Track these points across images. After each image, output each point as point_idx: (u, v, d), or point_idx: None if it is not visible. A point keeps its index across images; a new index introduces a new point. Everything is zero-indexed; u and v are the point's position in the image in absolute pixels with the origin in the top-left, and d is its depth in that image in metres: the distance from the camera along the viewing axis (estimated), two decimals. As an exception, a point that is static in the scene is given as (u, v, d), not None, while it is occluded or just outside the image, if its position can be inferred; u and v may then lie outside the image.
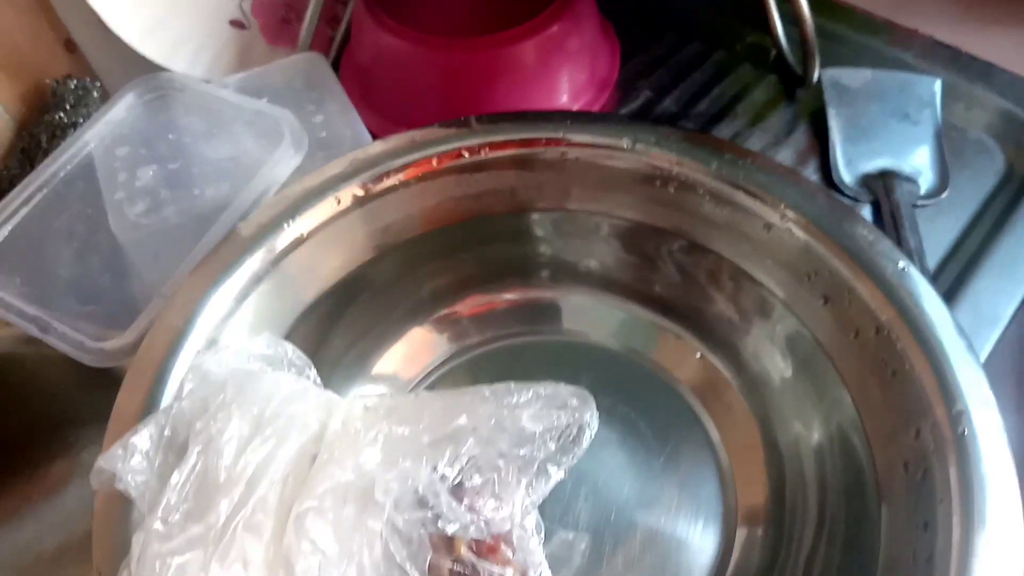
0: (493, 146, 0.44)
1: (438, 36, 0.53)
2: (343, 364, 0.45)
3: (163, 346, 0.36)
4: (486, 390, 0.33)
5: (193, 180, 0.48)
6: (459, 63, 0.55)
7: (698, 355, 0.46)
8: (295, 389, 0.33)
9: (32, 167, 0.50)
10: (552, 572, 0.32)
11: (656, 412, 0.45)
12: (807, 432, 0.41)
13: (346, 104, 0.53)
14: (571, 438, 0.32)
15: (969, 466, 0.32)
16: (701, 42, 0.64)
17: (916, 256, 0.48)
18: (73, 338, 0.41)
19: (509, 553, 0.30)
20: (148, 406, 0.34)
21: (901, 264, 0.38)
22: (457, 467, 0.31)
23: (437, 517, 0.29)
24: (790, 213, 0.40)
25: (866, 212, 0.52)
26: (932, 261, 0.50)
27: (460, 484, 0.30)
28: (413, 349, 0.48)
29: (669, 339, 0.47)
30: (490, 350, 0.48)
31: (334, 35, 0.63)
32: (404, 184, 0.43)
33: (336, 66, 0.60)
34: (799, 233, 0.40)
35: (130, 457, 0.30)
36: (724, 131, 0.58)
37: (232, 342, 0.37)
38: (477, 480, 0.30)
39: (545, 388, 0.33)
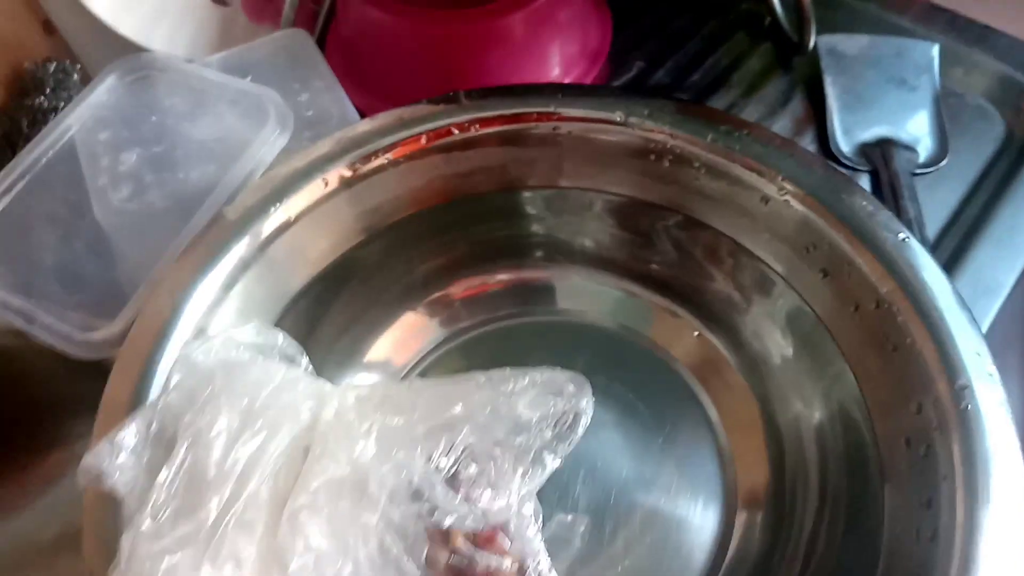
0: (483, 122, 0.43)
1: (425, 9, 0.52)
2: (335, 351, 0.44)
3: (150, 337, 0.35)
4: (481, 377, 0.32)
5: (177, 163, 0.47)
6: (447, 36, 0.54)
7: (696, 334, 0.46)
8: (286, 378, 0.32)
9: (14, 153, 0.49)
10: (552, 555, 0.31)
11: (654, 392, 0.44)
12: (808, 411, 0.41)
13: (332, 82, 0.52)
14: (567, 425, 0.31)
15: (972, 441, 0.31)
16: (694, 11, 0.63)
17: (916, 226, 0.47)
18: (59, 330, 0.40)
19: (507, 543, 0.30)
20: (136, 399, 0.34)
21: (901, 235, 0.37)
22: (452, 457, 0.30)
23: (433, 509, 0.28)
24: (787, 185, 0.40)
25: (864, 182, 0.51)
26: (932, 230, 0.49)
27: (455, 474, 0.30)
28: (406, 334, 0.47)
29: (666, 317, 0.47)
30: (484, 332, 0.47)
31: (319, 10, 0.62)
32: (393, 163, 0.42)
33: (321, 43, 0.59)
34: (797, 205, 0.39)
35: (117, 454, 0.29)
36: (719, 102, 0.56)
37: (220, 331, 0.36)
38: (473, 470, 0.30)
39: (541, 374, 0.32)
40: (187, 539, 0.27)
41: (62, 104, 0.57)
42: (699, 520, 0.41)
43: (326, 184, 0.41)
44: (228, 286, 0.38)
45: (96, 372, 0.37)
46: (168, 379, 0.33)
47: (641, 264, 0.47)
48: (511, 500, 0.29)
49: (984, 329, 0.45)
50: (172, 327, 0.36)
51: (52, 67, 0.59)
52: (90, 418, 0.34)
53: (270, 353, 0.36)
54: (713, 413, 0.44)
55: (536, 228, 0.48)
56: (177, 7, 0.59)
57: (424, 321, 0.48)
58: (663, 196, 0.44)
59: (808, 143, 0.54)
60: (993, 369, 0.33)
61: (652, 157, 0.42)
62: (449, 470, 0.29)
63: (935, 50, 0.56)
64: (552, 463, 0.32)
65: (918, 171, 0.51)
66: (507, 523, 0.30)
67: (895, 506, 0.34)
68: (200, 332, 0.36)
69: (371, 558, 0.27)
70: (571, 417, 0.31)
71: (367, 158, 0.41)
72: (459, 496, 0.29)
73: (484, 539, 0.30)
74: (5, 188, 0.46)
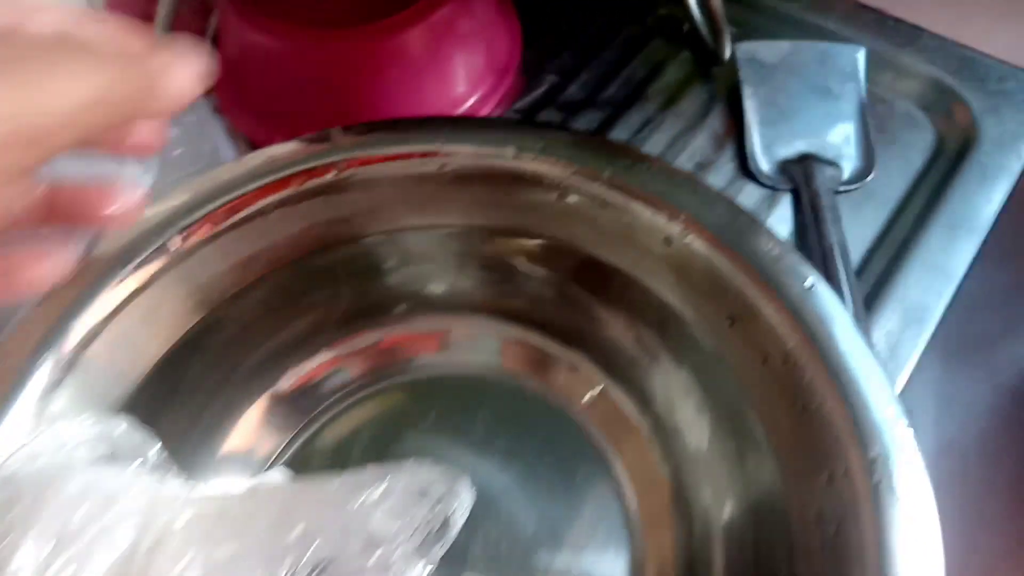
0: (359, 161, 0.39)
1: (310, 29, 0.48)
2: (191, 441, 0.38)
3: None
4: (334, 484, 0.28)
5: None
6: (337, 58, 0.49)
7: (600, 388, 0.42)
8: (113, 487, 0.28)
9: None
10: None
11: (556, 452, 0.40)
12: (718, 486, 0.37)
13: (206, 113, 0.47)
14: (435, 530, 0.28)
15: (884, 523, 0.28)
16: (609, 15, 0.59)
17: (839, 250, 0.44)
18: None
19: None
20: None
21: (809, 282, 0.34)
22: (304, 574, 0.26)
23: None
24: (689, 224, 0.36)
25: (785, 203, 0.48)
26: (857, 253, 0.46)
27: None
28: (266, 417, 0.41)
29: (563, 370, 0.42)
30: (366, 399, 0.42)
31: (206, 27, 0.57)
32: (225, 231, 0.37)
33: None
34: (699, 247, 0.36)
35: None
36: (634, 118, 0.52)
37: (46, 429, 0.32)
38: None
39: (405, 474, 0.28)
40: None
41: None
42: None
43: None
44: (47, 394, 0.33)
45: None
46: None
47: (537, 311, 0.43)
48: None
49: (911, 363, 0.42)
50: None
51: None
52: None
53: (110, 446, 0.31)
54: (622, 475, 0.39)
55: (402, 279, 0.43)
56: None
57: (288, 400, 0.42)
58: (564, 234, 0.40)
59: (727, 160, 0.50)
60: (910, 438, 0.30)
61: (552, 194, 0.39)
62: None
63: (861, 54, 0.53)
64: (422, 570, 0.28)
65: (842, 188, 0.48)
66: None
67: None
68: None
69: None
70: (438, 524, 0.27)
71: (193, 229, 0.36)
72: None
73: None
74: None
